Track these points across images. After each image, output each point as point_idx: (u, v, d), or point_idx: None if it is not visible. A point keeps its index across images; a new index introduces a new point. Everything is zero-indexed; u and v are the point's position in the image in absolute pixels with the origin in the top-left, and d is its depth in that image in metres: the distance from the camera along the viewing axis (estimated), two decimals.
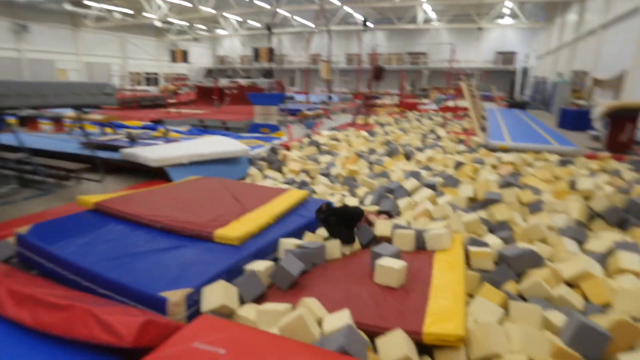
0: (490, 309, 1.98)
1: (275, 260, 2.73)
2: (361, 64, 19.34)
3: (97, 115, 7.31)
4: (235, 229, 2.67)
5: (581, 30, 16.52)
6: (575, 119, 11.26)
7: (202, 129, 9.52)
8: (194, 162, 4.93)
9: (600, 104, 7.38)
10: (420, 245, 2.82)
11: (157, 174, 4.92)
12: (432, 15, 27.80)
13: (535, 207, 3.79)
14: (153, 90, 20.58)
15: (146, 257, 2.33)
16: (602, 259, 2.77)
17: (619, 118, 7.13)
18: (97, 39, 29.86)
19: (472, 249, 2.69)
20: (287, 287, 2.24)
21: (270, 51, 18.80)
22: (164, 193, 3.56)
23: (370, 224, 3.22)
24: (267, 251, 2.70)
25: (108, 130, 7.94)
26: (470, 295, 2.41)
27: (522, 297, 2.41)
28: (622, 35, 11.30)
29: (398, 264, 2.18)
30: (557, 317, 1.93)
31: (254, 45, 33.59)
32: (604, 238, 3.03)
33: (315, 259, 2.58)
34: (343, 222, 2.86)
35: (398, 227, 2.99)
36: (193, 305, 1.98)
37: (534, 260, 2.67)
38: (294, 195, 3.71)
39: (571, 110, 11.65)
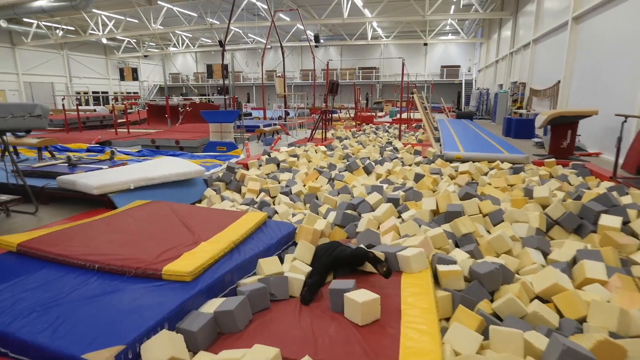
0: (468, 336, 1.85)
1: (234, 293, 2.47)
2: (316, 79, 19.47)
3: (32, 139, 6.63)
4: (188, 263, 2.38)
5: (516, 44, 17.73)
6: (519, 128, 11.91)
7: (153, 149, 8.99)
8: (143, 187, 4.53)
9: (542, 112, 7.80)
10: (391, 267, 2.68)
11: (101, 202, 4.46)
12: (380, 31, 28.83)
13: (496, 217, 3.80)
14: (101, 110, 19.41)
15: (74, 307, 1.97)
16: (568, 268, 2.78)
17: (560, 125, 7.56)
18: (38, 57, 27.97)
19: (441, 268, 2.58)
20: (239, 330, 2.00)
21: (224, 68, 18.44)
22: (103, 225, 3.17)
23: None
24: (224, 284, 2.43)
25: (47, 154, 7.25)
26: (446, 319, 2.29)
27: (496, 316, 2.33)
28: (553, 48, 12.20)
29: (368, 296, 2.00)
30: (539, 340, 1.84)
31: (207, 62, 33.03)
32: (565, 247, 3.05)
33: (277, 293, 2.34)
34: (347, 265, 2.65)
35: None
36: None
37: (505, 276, 2.61)
38: (252, 219, 3.46)
39: (515, 119, 12.32)
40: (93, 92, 31.47)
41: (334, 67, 33.46)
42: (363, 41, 27.95)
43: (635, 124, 6.89)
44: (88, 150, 8.18)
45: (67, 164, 5.94)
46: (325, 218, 4.17)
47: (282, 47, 16.07)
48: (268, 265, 2.62)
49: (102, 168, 5.46)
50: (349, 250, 2.65)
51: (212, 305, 2.13)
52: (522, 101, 15.56)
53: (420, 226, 3.52)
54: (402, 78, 9.58)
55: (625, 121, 5.29)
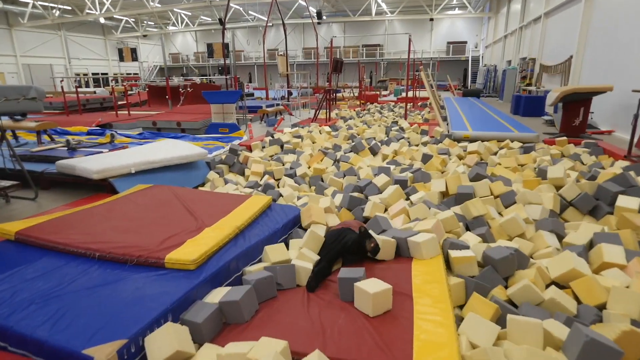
0: (484, 326, 1.77)
1: (240, 281, 2.40)
2: (319, 58, 19.05)
3: (30, 123, 6.51)
4: (191, 251, 2.30)
5: (526, 18, 17.14)
6: (528, 105, 11.61)
7: (155, 132, 8.86)
8: (144, 171, 4.43)
9: (555, 89, 7.55)
10: (402, 252, 2.60)
11: (102, 187, 4.38)
12: (384, 6, 27.99)
13: (508, 199, 3.68)
14: (101, 91, 19.17)
15: (74, 299, 1.90)
16: (584, 252, 2.67)
17: (572, 102, 7.32)
18: (36, 38, 27.52)
19: (454, 253, 2.48)
20: (245, 321, 1.93)
21: (225, 47, 18.05)
22: (104, 211, 3.09)
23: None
24: (229, 272, 2.36)
25: (47, 138, 7.15)
26: (459, 307, 2.21)
27: (511, 303, 2.24)
28: (565, 22, 11.76)
29: (380, 286, 1.91)
30: (559, 329, 1.75)
31: (208, 41, 32.41)
32: (581, 229, 2.93)
33: (283, 282, 2.27)
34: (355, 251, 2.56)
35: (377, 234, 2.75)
36: (135, 357, 1.62)
37: (520, 261, 2.52)
38: (256, 203, 3.37)
39: (524, 96, 12.00)
40: (92, 74, 31.10)
41: (337, 45, 32.72)
42: (367, 17, 27.21)
43: None
44: (88, 133, 8.07)
45: (66, 148, 5.84)
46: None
47: (284, 24, 15.65)
48: (274, 253, 2.54)
49: (102, 152, 5.36)
50: (353, 237, 2.56)
51: (217, 295, 2.05)
52: (532, 78, 15.17)
53: (429, 209, 3.42)
54: (409, 55, 9.28)
55: None
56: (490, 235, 3.09)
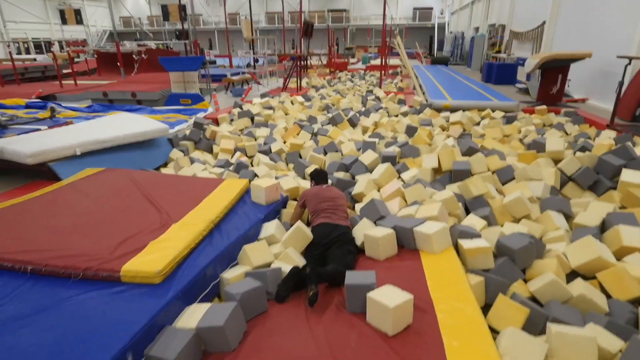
0: (530, 345, 1.46)
1: (217, 295, 1.97)
2: (284, 22, 17.98)
3: None
4: (155, 258, 1.83)
5: None
6: (500, 73, 11.48)
7: (106, 104, 7.92)
8: (94, 152, 3.77)
9: (533, 56, 7.36)
10: (405, 244, 2.25)
11: (41, 173, 3.64)
12: None
13: (505, 175, 3.41)
14: (43, 59, 17.16)
15: None
16: (598, 235, 2.45)
17: (550, 70, 7.17)
18: None
19: (466, 244, 2.17)
20: (231, 350, 1.53)
21: (182, 9, 16.53)
22: (40, 206, 2.51)
23: None
24: (205, 280, 1.92)
25: None
26: (483, 309, 1.91)
27: (536, 301, 1.97)
28: None
29: (399, 297, 1.54)
30: (611, 343, 1.48)
31: (162, 2, 29.85)
32: (591, 208, 2.71)
33: (274, 291, 1.86)
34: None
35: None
36: None
37: (538, 250, 2.24)
38: (232, 188, 2.89)
39: (496, 64, 11.86)
40: (33, 39, 27.96)
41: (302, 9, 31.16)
42: None
43: (630, 69, 6.59)
44: (27, 106, 7.06)
45: None
46: None
47: None
48: (255, 253, 2.11)
49: (40, 129, 4.56)
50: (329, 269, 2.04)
51: (192, 316, 1.63)
52: (501, 45, 15.06)
53: (425, 188, 3.08)
54: (384, 19, 8.72)
55: (629, 64, 4.92)
56: (494, 217, 2.82)
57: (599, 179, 3.25)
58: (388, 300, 1.52)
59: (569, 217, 2.80)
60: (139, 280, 1.73)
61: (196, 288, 1.83)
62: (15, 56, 12.43)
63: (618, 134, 4.48)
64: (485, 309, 1.97)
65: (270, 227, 2.44)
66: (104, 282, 1.74)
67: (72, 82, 10.49)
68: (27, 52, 26.11)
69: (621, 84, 5.02)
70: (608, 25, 7.32)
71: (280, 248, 2.27)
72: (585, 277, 2.15)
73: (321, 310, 1.74)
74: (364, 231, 2.28)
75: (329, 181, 3.27)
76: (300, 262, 2.12)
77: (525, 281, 2.14)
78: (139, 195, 2.71)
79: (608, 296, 1.99)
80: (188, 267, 1.88)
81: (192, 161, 4.35)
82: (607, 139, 4.29)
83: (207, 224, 2.26)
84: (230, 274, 1.99)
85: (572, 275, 2.19)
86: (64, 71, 12.75)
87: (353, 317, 1.66)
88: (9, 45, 15.43)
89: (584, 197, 3.24)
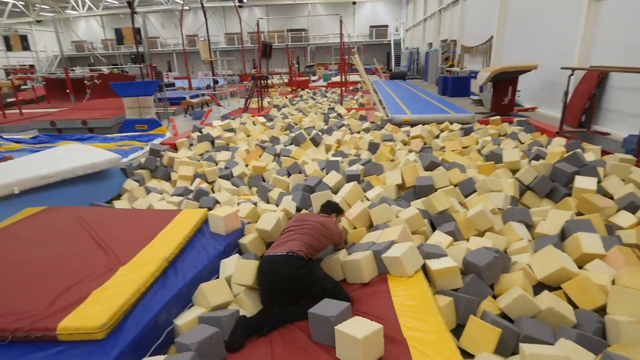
0: None
1: (173, 342, 1.80)
2: (243, 43, 17.98)
3: None
4: (97, 310, 1.64)
5: (445, 1, 17.71)
6: (455, 86, 11.95)
7: (54, 134, 7.46)
8: (35, 189, 3.47)
9: (485, 69, 7.70)
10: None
11: None
12: None
13: (467, 187, 3.45)
14: None
15: None
16: (559, 243, 2.49)
17: (501, 82, 7.52)
18: None
19: (434, 265, 2.12)
20: None
21: (137, 32, 16.14)
22: None
23: None
24: (158, 329, 1.75)
25: None
26: (452, 331, 1.85)
27: (506, 317, 1.94)
28: (484, 3, 12.21)
29: (367, 328, 1.45)
30: (584, 358, 1.45)
31: (117, 26, 29.13)
32: (550, 217, 2.76)
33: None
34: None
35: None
36: None
37: (504, 263, 2.23)
38: (188, 219, 2.72)
39: (451, 77, 12.35)
40: None
41: (261, 29, 31.43)
42: (290, 0, 26.35)
43: (573, 79, 7.02)
44: None
45: None
46: (277, 205, 3.53)
47: (203, 7, 14.34)
48: (213, 293, 1.95)
49: None
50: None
51: None
52: (454, 59, 15.74)
53: (390, 206, 3.04)
54: (342, 37, 8.88)
55: (572, 74, 5.22)
56: (459, 232, 2.82)
57: (555, 186, 3.36)
58: (356, 331, 1.43)
59: (530, 226, 2.85)
60: (79, 338, 1.54)
61: (148, 339, 1.66)
62: None
63: (568, 141, 4.70)
64: (457, 329, 1.93)
65: (230, 265, 2.28)
66: (38, 344, 1.53)
67: (17, 111, 9.86)
68: None
69: (566, 93, 5.31)
70: (550, 38, 7.81)
71: (238, 288, 2.12)
72: (551, 288, 2.15)
73: (284, 346, 1.61)
74: (341, 260, 2.21)
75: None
76: (258, 305, 1.98)
77: (495, 297, 2.11)
78: (85, 235, 2.48)
79: (574, 306, 1.99)
80: (137, 315, 1.70)
81: (148, 191, 4.12)
82: (558, 146, 4.47)
83: (160, 263, 2.08)
84: (182, 320, 1.82)
85: (538, 286, 2.19)
86: (9, 100, 12.01)
87: (320, 351, 1.55)
88: None
89: (542, 205, 3.33)
